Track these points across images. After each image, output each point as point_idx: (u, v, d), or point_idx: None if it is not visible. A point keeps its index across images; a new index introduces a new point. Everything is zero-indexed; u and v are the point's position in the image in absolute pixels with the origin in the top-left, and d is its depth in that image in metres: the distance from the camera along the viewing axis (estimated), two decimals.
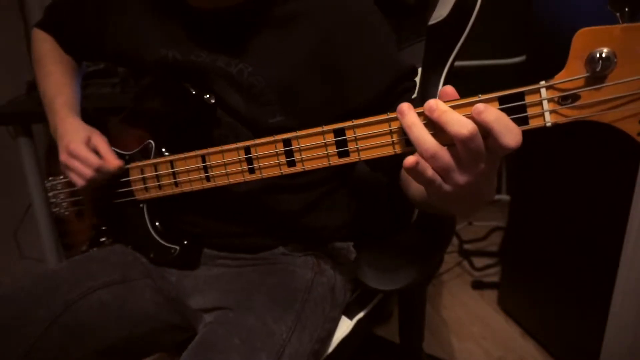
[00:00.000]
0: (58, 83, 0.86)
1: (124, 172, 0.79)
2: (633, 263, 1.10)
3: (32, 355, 0.67)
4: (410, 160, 0.46)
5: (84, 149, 0.76)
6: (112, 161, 0.76)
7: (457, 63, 0.86)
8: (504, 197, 2.08)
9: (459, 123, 0.44)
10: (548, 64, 1.27)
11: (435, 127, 0.47)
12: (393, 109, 0.72)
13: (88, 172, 0.75)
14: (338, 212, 0.85)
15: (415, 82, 0.76)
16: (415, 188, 0.65)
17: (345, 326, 0.82)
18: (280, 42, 0.72)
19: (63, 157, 0.77)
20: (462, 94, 0.49)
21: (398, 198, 0.73)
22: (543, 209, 1.39)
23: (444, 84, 0.85)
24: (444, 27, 0.85)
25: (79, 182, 0.77)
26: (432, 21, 0.87)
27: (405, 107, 0.48)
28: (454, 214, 0.66)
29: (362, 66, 0.71)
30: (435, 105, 0.46)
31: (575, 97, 0.46)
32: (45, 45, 0.90)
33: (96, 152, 0.77)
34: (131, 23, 0.78)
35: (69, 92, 0.86)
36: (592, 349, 1.22)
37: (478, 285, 1.78)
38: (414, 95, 0.78)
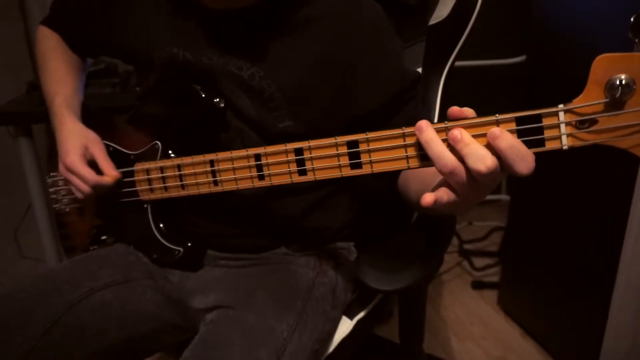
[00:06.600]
0: (59, 81, 0.86)
1: (129, 172, 0.79)
2: (633, 263, 1.10)
3: (33, 355, 0.67)
4: (427, 199, 0.48)
5: (81, 165, 0.75)
6: (110, 172, 0.76)
7: (457, 63, 0.86)
8: (504, 197, 2.08)
9: (477, 157, 0.44)
10: (548, 64, 1.28)
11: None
12: (398, 116, 0.73)
13: (86, 189, 0.75)
14: (340, 213, 0.85)
15: (419, 90, 0.76)
16: (414, 194, 0.65)
17: (345, 326, 0.82)
18: (293, 47, 0.71)
19: (61, 169, 0.77)
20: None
21: (398, 199, 0.73)
22: (543, 209, 1.39)
23: (444, 84, 0.85)
24: (444, 27, 0.85)
25: (79, 195, 0.77)
26: (432, 21, 0.87)
27: (423, 123, 0.48)
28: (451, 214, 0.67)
29: (372, 73, 0.71)
30: (460, 137, 0.45)
31: (593, 122, 0.46)
32: (49, 43, 0.89)
33: (94, 163, 0.76)
34: (140, 19, 0.78)
35: (69, 90, 0.85)
36: (592, 349, 1.22)
37: (478, 285, 1.78)
38: None
